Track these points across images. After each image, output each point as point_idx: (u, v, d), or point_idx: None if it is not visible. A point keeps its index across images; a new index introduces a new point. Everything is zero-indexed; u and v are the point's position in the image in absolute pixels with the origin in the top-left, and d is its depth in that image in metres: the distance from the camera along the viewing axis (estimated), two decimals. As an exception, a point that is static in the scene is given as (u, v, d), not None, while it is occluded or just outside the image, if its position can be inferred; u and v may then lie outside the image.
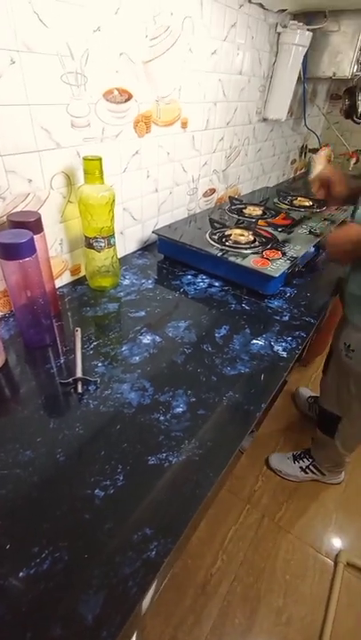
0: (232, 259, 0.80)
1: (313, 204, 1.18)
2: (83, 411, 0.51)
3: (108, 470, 0.43)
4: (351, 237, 0.73)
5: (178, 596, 0.99)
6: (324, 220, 1.06)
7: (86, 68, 0.66)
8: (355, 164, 1.93)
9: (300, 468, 1.26)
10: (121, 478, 0.42)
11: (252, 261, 0.79)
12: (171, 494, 0.41)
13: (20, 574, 0.34)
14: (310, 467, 1.25)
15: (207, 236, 0.90)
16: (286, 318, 0.73)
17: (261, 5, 1.05)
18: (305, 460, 1.27)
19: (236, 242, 0.87)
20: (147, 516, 0.39)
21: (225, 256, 0.81)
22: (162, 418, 0.50)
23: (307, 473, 1.25)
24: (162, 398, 0.53)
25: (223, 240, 0.88)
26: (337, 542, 1.12)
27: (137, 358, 0.61)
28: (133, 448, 0.46)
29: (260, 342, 0.66)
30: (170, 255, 0.94)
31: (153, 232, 0.94)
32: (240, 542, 1.11)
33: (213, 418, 0.51)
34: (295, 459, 1.29)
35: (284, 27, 1.16)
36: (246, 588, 1.01)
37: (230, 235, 0.89)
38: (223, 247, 0.85)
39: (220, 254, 0.82)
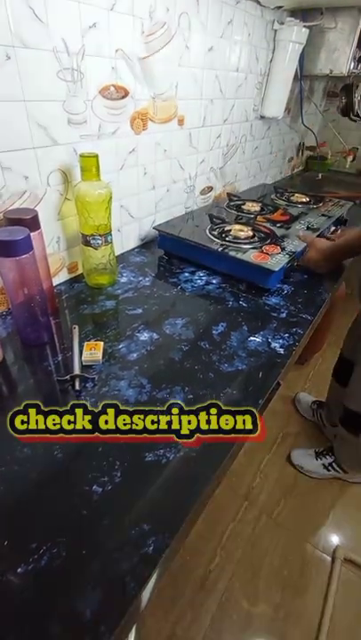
0: (233, 253, 0.81)
1: (310, 201, 1.18)
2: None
3: (106, 467, 0.43)
4: (323, 254, 0.85)
5: (176, 592, 0.99)
6: (322, 215, 1.07)
7: (82, 65, 0.65)
8: (352, 161, 1.93)
9: (323, 465, 1.25)
10: (118, 474, 0.42)
11: (252, 256, 0.79)
12: (168, 490, 0.41)
13: (19, 570, 0.34)
14: (333, 464, 1.24)
15: (207, 231, 0.91)
16: (284, 315, 0.73)
17: (258, 2, 1.04)
18: (328, 457, 1.26)
19: (235, 237, 0.87)
20: (144, 511, 0.39)
21: (226, 251, 0.82)
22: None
23: (329, 470, 1.24)
24: (159, 395, 0.53)
25: (223, 235, 0.88)
26: (334, 538, 1.13)
27: (134, 355, 0.61)
28: (131, 445, 0.46)
29: (258, 339, 0.66)
30: (170, 251, 0.94)
31: (154, 228, 0.94)
32: (238, 539, 1.11)
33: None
34: (318, 455, 1.28)
35: (281, 23, 1.16)
36: (244, 585, 1.01)
37: (230, 230, 0.90)
38: (224, 242, 0.85)
39: (220, 249, 0.83)
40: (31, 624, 0.31)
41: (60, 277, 0.81)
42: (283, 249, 0.83)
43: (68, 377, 0.54)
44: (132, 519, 0.38)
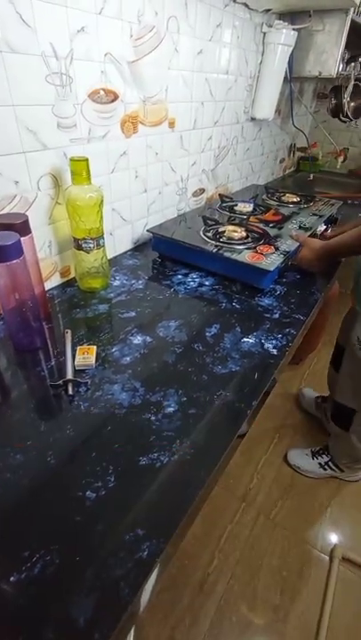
0: (227, 254, 0.81)
1: (300, 200, 1.19)
2: (73, 412, 0.51)
3: (100, 472, 0.43)
4: (316, 254, 0.85)
5: (175, 596, 0.98)
6: (313, 214, 1.08)
7: (71, 69, 0.65)
8: (342, 162, 1.95)
9: (319, 464, 1.26)
10: (112, 479, 0.42)
11: (246, 256, 0.80)
12: (162, 494, 0.41)
13: (11, 579, 0.33)
14: (329, 463, 1.24)
15: (201, 232, 0.91)
16: (277, 316, 0.74)
17: (246, 5, 1.05)
18: (324, 456, 1.26)
19: (230, 238, 0.88)
20: (138, 516, 0.39)
21: (220, 252, 0.82)
22: (153, 418, 0.50)
23: (325, 469, 1.25)
24: (153, 398, 0.53)
25: (217, 236, 0.89)
26: (332, 537, 1.13)
27: (128, 359, 0.61)
28: (124, 449, 0.46)
29: (251, 340, 0.66)
30: (165, 253, 0.94)
31: (147, 230, 0.94)
32: (236, 541, 1.11)
33: (205, 417, 0.51)
34: (314, 454, 1.28)
35: (270, 26, 1.17)
36: (243, 586, 1.01)
37: (224, 231, 0.90)
38: (218, 243, 0.86)
39: (215, 250, 0.83)
40: (25, 632, 0.31)
41: (53, 282, 0.81)
42: (277, 249, 0.84)
43: (61, 382, 0.54)
44: (127, 524, 0.38)
